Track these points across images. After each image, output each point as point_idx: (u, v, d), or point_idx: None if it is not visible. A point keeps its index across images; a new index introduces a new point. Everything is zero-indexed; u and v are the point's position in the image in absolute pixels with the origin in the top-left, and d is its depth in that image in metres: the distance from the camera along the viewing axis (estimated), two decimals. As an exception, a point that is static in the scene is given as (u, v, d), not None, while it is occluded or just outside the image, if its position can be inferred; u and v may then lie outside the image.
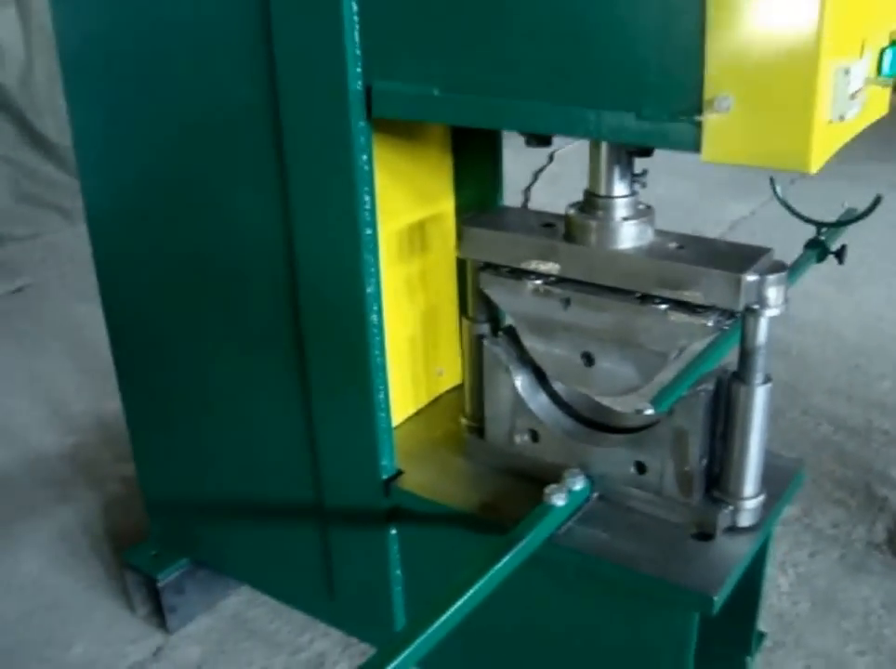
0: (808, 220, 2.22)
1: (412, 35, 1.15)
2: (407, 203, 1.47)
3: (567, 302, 1.28)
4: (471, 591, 1.12)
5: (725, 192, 4.50)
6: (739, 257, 1.19)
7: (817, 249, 2.20)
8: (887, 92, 1.17)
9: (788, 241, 2.07)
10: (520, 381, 1.38)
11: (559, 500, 1.29)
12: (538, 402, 1.40)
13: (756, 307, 1.17)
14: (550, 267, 1.28)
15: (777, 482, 1.37)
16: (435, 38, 1.13)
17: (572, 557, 1.28)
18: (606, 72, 1.03)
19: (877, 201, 2.19)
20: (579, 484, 1.33)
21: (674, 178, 4.67)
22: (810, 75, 0.92)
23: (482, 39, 1.10)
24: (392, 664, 1.02)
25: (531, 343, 1.34)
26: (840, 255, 2.22)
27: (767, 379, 1.23)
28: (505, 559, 1.18)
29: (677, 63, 0.98)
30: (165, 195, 1.52)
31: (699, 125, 0.99)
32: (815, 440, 2.45)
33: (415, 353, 1.56)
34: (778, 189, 2.22)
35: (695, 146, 1.00)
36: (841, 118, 0.97)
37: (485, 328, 1.41)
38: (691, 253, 1.22)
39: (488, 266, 1.34)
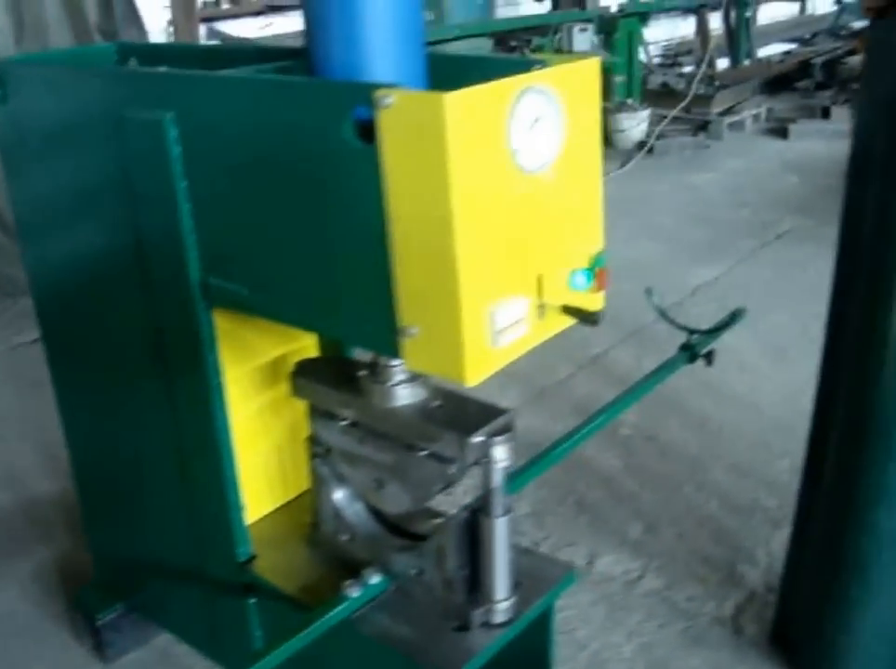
0: (679, 327, 2.53)
1: (227, 246, 1.53)
2: (266, 344, 1.85)
3: (362, 440, 1.64)
4: (265, 660, 1.49)
5: (695, 257, 4.78)
6: (476, 419, 1.53)
7: (687, 352, 2.51)
8: (599, 296, 1.50)
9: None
10: (339, 494, 1.75)
11: (353, 592, 1.65)
12: (354, 510, 1.76)
13: (485, 461, 1.51)
14: (349, 413, 1.64)
15: (544, 583, 1.72)
16: (238, 250, 1.51)
17: (359, 637, 1.65)
18: (340, 298, 1.39)
19: (736, 314, 2.50)
20: (375, 579, 1.68)
21: (649, 242, 4.98)
22: (456, 318, 1.26)
23: (261, 261, 1.48)
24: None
25: (342, 466, 1.71)
26: (709, 357, 2.53)
27: (506, 512, 1.57)
28: (300, 635, 1.55)
29: (381, 305, 1.33)
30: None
31: (401, 344, 1.34)
32: (699, 517, 2.75)
33: (274, 462, 1.94)
34: (654, 299, 2.54)
35: (403, 357, 1.35)
36: (498, 344, 1.32)
37: (320, 449, 1.78)
38: (444, 412, 1.56)
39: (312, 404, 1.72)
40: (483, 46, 5.98)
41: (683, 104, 6.98)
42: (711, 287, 4.44)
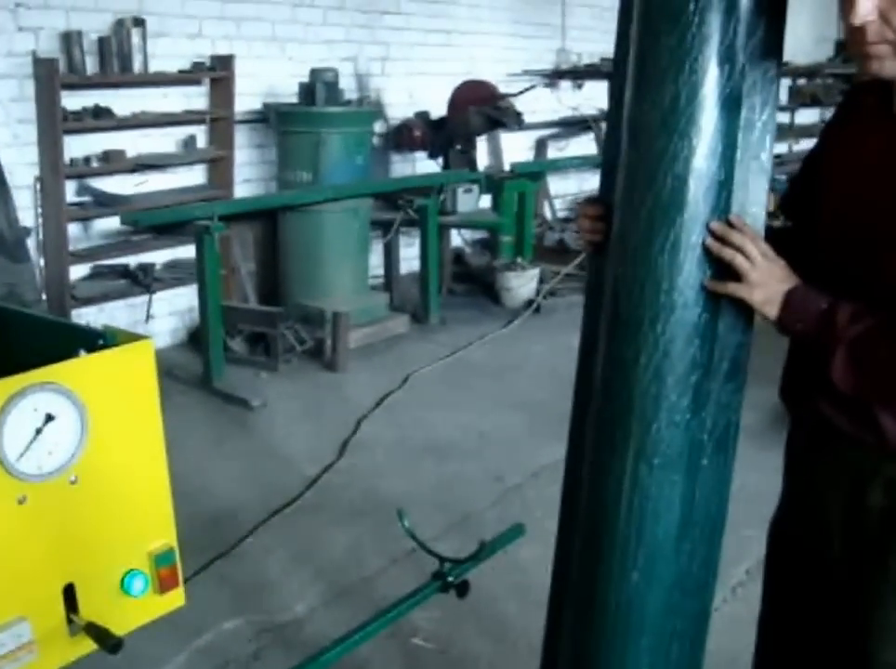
0: (431, 552, 2.42)
1: None
2: None
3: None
4: None
5: (555, 431, 4.62)
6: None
7: (439, 581, 2.39)
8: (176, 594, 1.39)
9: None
10: None
11: None
12: None
13: None
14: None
15: None
16: None
17: None
18: None
19: (482, 545, 2.39)
20: None
21: (510, 413, 4.88)
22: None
23: None
24: None
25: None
26: (462, 589, 2.40)
27: None
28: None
29: None
30: None
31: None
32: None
33: None
34: (405, 522, 2.43)
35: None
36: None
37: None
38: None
39: None
40: (363, 206, 6.01)
41: (577, 261, 7.02)
42: (558, 468, 4.33)
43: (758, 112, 1.52)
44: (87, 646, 1.32)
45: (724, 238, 1.48)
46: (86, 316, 5.28)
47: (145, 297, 5.53)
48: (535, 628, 3.05)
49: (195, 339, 5.46)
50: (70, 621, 1.31)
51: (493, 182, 6.81)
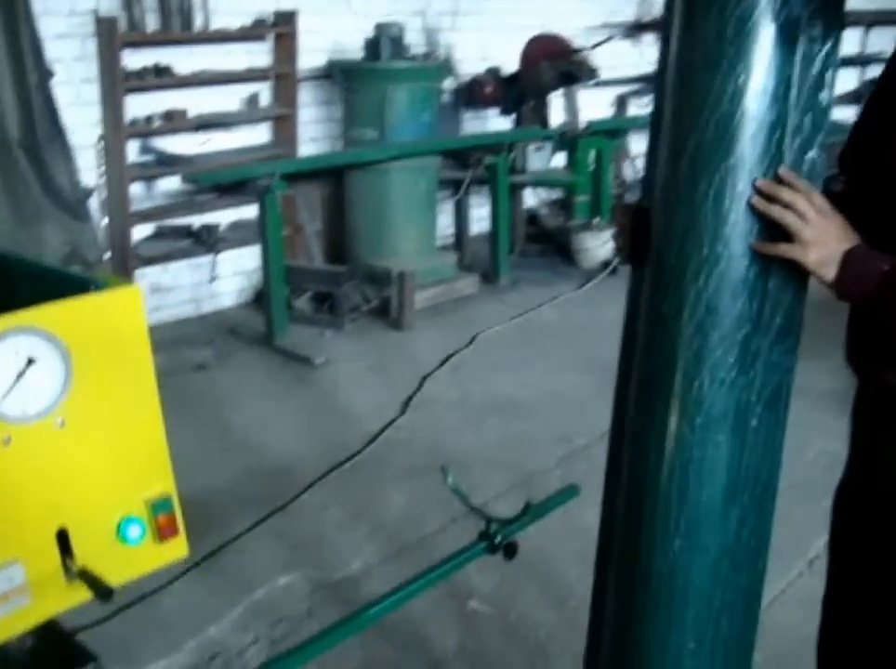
0: (479, 513, 2.25)
1: None
2: None
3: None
4: None
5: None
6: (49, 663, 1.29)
7: (486, 542, 2.22)
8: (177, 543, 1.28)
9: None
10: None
11: None
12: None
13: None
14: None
15: None
16: None
17: None
18: None
19: (528, 505, 2.23)
20: None
21: (579, 374, 4.69)
22: None
23: None
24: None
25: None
26: (509, 550, 2.23)
27: None
28: None
29: None
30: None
31: None
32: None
33: None
34: (449, 479, 2.27)
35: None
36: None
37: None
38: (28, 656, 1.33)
39: None
40: (431, 164, 5.85)
41: (653, 223, 6.76)
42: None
43: (820, 43, 1.31)
44: (85, 594, 1.24)
45: (772, 195, 1.30)
46: (150, 276, 5.26)
47: (209, 258, 5.48)
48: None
49: (261, 299, 5.40)
50: (66, 567, 1.23)
51: (567, 140, 6.59)
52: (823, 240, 1.30)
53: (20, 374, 1.18)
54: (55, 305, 1.22)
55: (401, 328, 5.34)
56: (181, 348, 4.99)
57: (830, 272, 1.31)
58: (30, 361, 1.19)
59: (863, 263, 1.30)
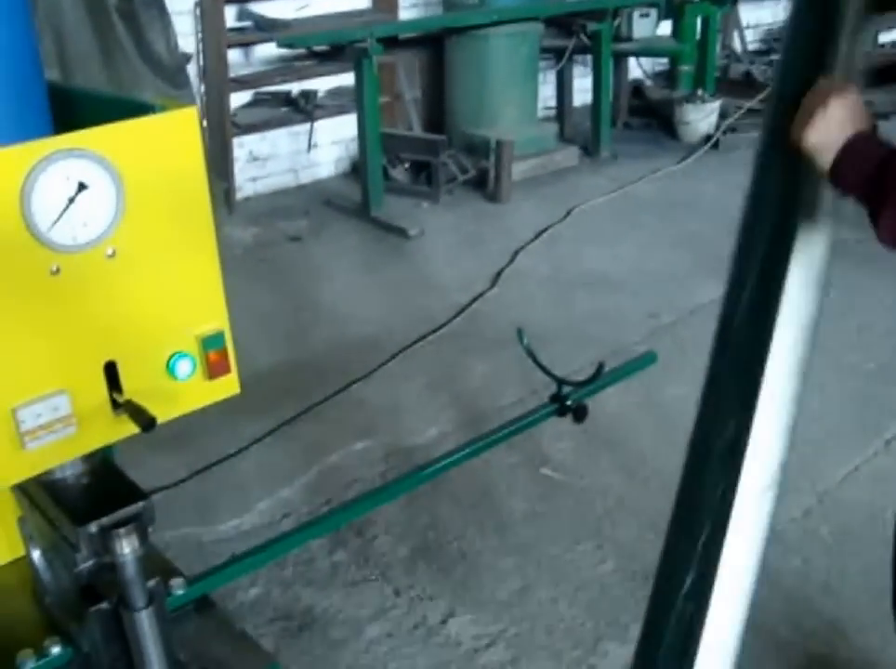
0: (550, 375, 2.26)
1: None
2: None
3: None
4: None
5: (716, 271, 4.36)
6: (104, 505, 1.34)
7: (556, 404, 2.24)
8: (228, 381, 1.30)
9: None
10: (36, 555, 1.60)
11: (28, 662, 1.49)
12: (53, 573, 1.60)
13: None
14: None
15: None
16: None
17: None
18: None
19: (601, 367, 2.22)
20: (56, 649, 1.52)
21: (671, 251, 4.60)
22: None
23: None
24: None
25: (35, 526, 1.56)
26: (579, 413, 2.24)
27: (150, 602, 1.39)
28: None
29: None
30: None
31: None
32: (583, 580, 2.49)
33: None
34: (525, 341, 2.29)
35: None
36: (28, 447, 1.16)
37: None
38: (81, 490, 1.38)
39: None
40: (532, 31, 5.68)
41: (762, 96, 6.47)
42: (716, 308, 4.07)
43: None
44: (132, 427, 1.26)
45: None
46: (248, 145, 5.30)
47: (307, 126, 5.47)
48: (671, 468, 2.87)
49: (358, 169, 5.39)
50: (113, 401, 1.26)
51: (673, 6, 6.30)
52: (826, 127, 1.26)
53: (71, 200, 1.13)
54: (107, 127, 1.16)
55: (497, 200, 5.29)
56: (277, 219, 5.06)
57: (827, 157, 1.26)
58: (81, 187, 1.14)
59: (865, 148, 1.25)
